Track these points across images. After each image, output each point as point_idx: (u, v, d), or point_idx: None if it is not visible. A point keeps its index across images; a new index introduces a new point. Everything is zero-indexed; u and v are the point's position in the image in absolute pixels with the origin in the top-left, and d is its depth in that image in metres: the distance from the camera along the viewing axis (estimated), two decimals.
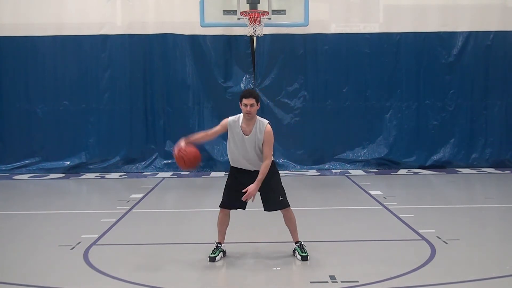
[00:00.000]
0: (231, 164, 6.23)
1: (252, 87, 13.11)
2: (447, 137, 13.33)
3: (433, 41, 13.17)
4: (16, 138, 13.24)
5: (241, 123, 6.07)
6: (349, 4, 13.34)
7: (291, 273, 5.92)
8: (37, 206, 9.55)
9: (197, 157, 6.07)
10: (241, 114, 6.10)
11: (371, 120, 13.36)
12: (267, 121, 6.13)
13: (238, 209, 6.21)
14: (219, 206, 6.22)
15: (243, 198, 5.96)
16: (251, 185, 5.95)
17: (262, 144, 6.02)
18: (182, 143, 6.02)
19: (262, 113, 12.61)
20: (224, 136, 14.32)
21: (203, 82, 13.21)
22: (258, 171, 6.02)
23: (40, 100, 13.18)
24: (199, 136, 6.27)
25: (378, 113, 13.34)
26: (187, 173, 13.01)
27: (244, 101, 5.99)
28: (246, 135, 6.04)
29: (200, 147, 13.92)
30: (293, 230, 6.24)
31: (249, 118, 6.02)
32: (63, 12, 13.08)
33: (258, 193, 6.13)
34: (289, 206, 6.19)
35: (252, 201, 6.01)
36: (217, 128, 6.20)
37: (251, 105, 5.97)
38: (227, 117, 6.21)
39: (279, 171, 6.39)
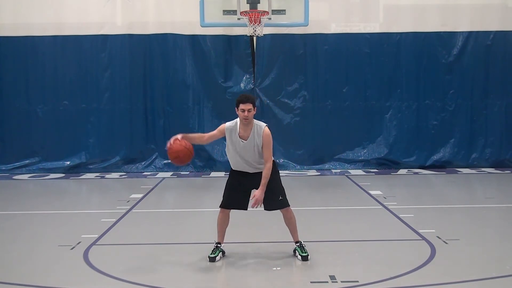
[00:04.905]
0: (232, 168, 6.21)
1: (252, 87, 13.12)
2: (447, 137, 13.32)
3: (433, 41, 13.17)
4: (16, 138, 13.24)
5: (239, 128, 6.02)
6: (349, 4, 13.33)
7: (291, 273, 5.92)
8: (37, 206, 9.55)
9: (188, 148, 6.01)
10: (238, 119, 6.06)
11: (371, 120, 13.36)
12: (265, 124, 6.09)
13: (238, 209, 6.20)
14: (220, 206, 6.20)
15: (252, 206, 5.93)
16: (257, 191, 5.92)
17: (262, 148, 5.99)
18: (177, 136, 6.04)
19: (262, 113, 12.70)
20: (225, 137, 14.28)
21: (203, 82, 13.21)
22: (258, 173, 6.03)
23: (40, 100, 13.18)
24: (196, 135, 6.32)
25: (378, 113, 13.34)
26: (187, 173, 13.03)
27: (241, 106, 5.93)
28: (244, 140, 6.00)
29: (201, 147, 14.01)
30: (293, 230, 6.24)
31: (246, 123, 5.97)
32: (63, 12, 13.08)
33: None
34: (288, 205, 6.19)
35: (260, 206, 5.99)
36: (214, 132, 6.16)
37: (248, 110, 5.92)
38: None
39: (279, 171, 6.38)
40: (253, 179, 6.08)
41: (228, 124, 6.10)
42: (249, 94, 6.21)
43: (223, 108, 13.07)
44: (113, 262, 6.15)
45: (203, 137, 6.27)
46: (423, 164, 13.28)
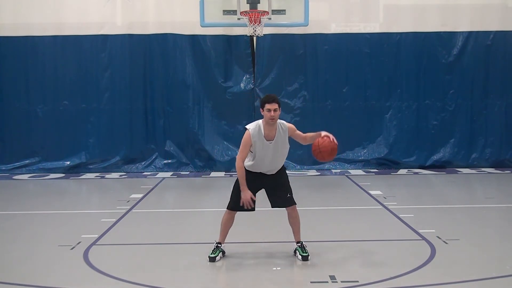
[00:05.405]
0: (249, 170, 6.05)
1: (252, 87, 13.12)
2: (447, 137, 13.33)
3: (433, 41, 13.17)
4: (16, 138, 13.24)
5: (263, 130, 5.95)
6: (349, 4, 13.33)
7: (291, 273, 5.92)
8: (37, 206, 9.55)
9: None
10: (259, 121, 5.99)
11: (371, 120, 13.36)
12: (283, 121, 6.11)
13: (246, 211, 6.14)
14: (227, 208, 6.17)
15: (332, 139, 5.94)
16: (323, 132, 6.03)
17: (295, 137, 6.12)
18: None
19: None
20: (225, 136, 14.38)
21: (203, 82, 13.20)
22: (274, 174, 6.07)
23: (40, 100, 13.18)
24: (242, 173, 5.93)
25: (378, 113, 13.34)
26: (187, 173, 13.03)
27: (268, 106, 5.87)
28: (271, 140, 5.96)
29: (201, 147, 13.99)
30: (296, 229, 6.22)
31: (272, 123, 5.92)
32: (63, 12, 13.08)
33: (264, 191, 6.15)
34: (295, 204, 6.18)
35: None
36: (243, 149, 5.92)
37: (275, 110, 5.87)
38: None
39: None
40: (267, 179, 6.08)
41: (251, 129, 5.95)
42: (273, 94, 6.12)
43: (223, 108, 13.09)
44: (113, 262, 6.16)
45: (242, 163, 5.96)
46: (423, 164, 13.28)
